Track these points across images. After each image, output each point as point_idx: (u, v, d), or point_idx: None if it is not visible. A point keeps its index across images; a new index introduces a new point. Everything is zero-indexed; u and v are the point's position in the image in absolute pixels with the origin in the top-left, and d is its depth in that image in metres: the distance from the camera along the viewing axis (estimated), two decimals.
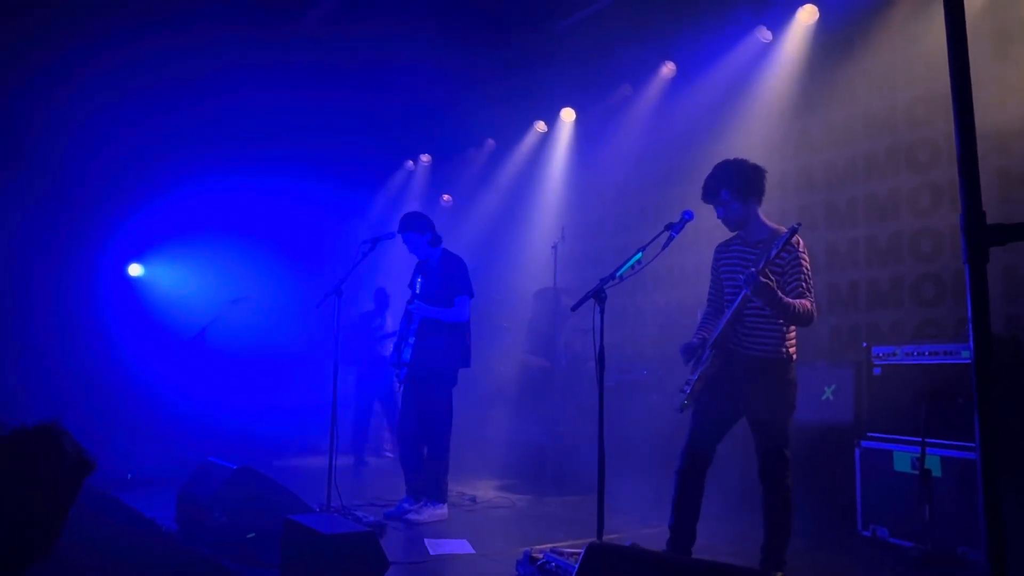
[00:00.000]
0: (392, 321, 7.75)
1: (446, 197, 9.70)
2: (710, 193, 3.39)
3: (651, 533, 3.73)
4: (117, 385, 7.07)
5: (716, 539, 4.00)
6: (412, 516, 4.62)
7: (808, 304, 3.11)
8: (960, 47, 1.65)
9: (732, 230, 3.44)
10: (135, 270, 8.60)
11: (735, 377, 3.23)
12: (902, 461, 3.85)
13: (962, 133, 1.60)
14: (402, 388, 4.90)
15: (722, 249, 3.51)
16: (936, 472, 3.62)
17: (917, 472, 3.62)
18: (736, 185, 3.31)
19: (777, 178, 6.11)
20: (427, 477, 4.76)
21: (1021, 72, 4.53)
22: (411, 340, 4.75)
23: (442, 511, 4.72)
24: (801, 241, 3.24)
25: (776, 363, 3.22)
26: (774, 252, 2.97)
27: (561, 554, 3.12)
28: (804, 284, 3.14)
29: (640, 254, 3.12)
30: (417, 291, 4.76)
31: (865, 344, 4.32)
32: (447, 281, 4.78)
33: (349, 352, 7.38)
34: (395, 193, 10.11)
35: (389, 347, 7.67)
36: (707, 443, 3.32)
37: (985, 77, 4.51)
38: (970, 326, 1.57)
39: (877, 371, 4.15)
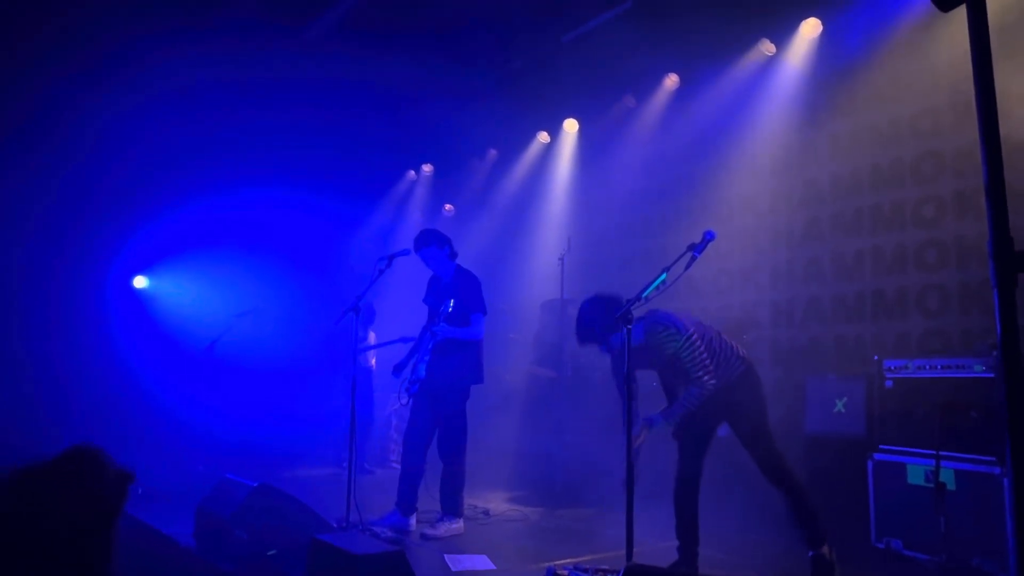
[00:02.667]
0: (375, 335, 7.87)
1: (448, 207, 9.74)
2: (585, 340, 3.68)
3: (668, 547, 3.76)
4: (126, 398, 7.07)
5: (734, 556, 4.04)
6: (428, 531, 4.65)
7: (693, 397, 3.47)
8: (986, 74, 1.67)
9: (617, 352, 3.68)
10: (139, 282, 8.60)
11: (701, 412, 3.58)
12: (915, 474, 3.89)
13: (989, 158, 1.64)
14: (411, 402, 4.92)
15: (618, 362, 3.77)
16: (950, 485, 3.66)
17: (931, 485, 3.67)
18: (595, 333, 3.57)
19: (784, 190, 6.19)
20: (443, 492, 4.79)
21: (1023, 86, 4.60)
22: (427, 357, 4.81)
23: (458, 526, 4.75)
24: (666, 322, 3.56)
25: (730, 389, 3.57)
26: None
27: (585, 570, 3.15)
28: (698, 364, 3.46)
29: (664, 275, 3.16)
30: (450, 310, 4.79)
31: (876, 357, 4.37)
32: (462, 299, 4.84)
33: (328, 363, 7.59)
34: (397, 203, 10.13)
35: (370, 359, 7.85)
36: (693, 471, 3.66)
37: None
38: (999, 351, 1.61)
39: (889, 384, 4.20)
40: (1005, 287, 1.61)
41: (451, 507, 4.75)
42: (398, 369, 5.02)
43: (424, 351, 4.85)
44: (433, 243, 4.92)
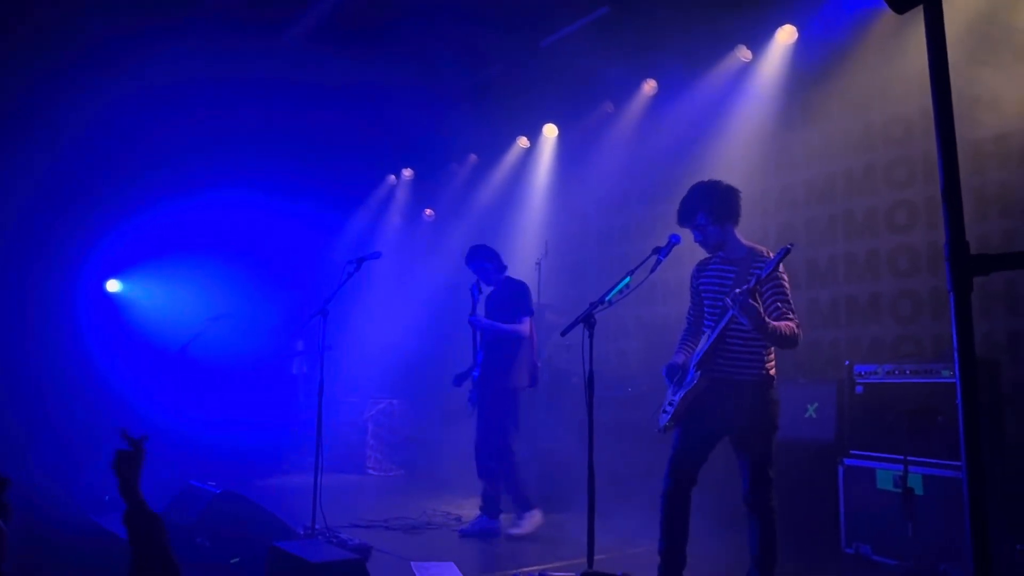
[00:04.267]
0: (303, 343, 7.97)
1: (428, 212, 9.70)
2: (686, 217, 3.38)
3: (637, 553, 3.72)
4: (95, 402, 6.94)
5: (700, 562, 4.00)
6: (514, 531, 4.82)
7: (793, 326, 3.12)
8: (942, 75, 1.66)
9: (709, 252, 3.46)
10: (113, 286, 8.47)
11: (718, 399, 3.22)
12: (884, 479, 3.89)
13: (945, 163, 1.62)
14: (475, 407, 5.16)
15: (700, 268, 3.52)
16: (918, 490, 3.66)
17: (899, 490, 3.67)
18: (712, 208, 3.30)
19: (759, 196, 6.19)
20: (509, 492, 4.95)
21: (992, 92, 4.63)
22: (479, 358, 5.07)
23: (535, 514, 4.92)
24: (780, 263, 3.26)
25: (758, 384, 3.22)
26: (766, 273, 2.98)
27: None
28: (787, 305, 3.16)
29: (628, 278, 3.13)
30: (483, 312, 5.16)
31: (848, 362, 4.37)
32: (511, 302, 5.09)
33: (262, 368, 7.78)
34: (377, 208, 10.08)
35: (299, 367, 7.95)
36: (691, 465, 3.27)
37: (957, 97, 4.58)
38: (956, 355, 1.59)
39: (859, 389, 4.20)
40: (961, 291, 1.59)
41: (521, 502, 4.92)
42: (460, 379, 5.30)
43: (478, 351, 5.11)
44: (479, 257, 5.21)
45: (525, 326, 5.04)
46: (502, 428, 4.96)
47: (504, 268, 5.28)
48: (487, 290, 5.32)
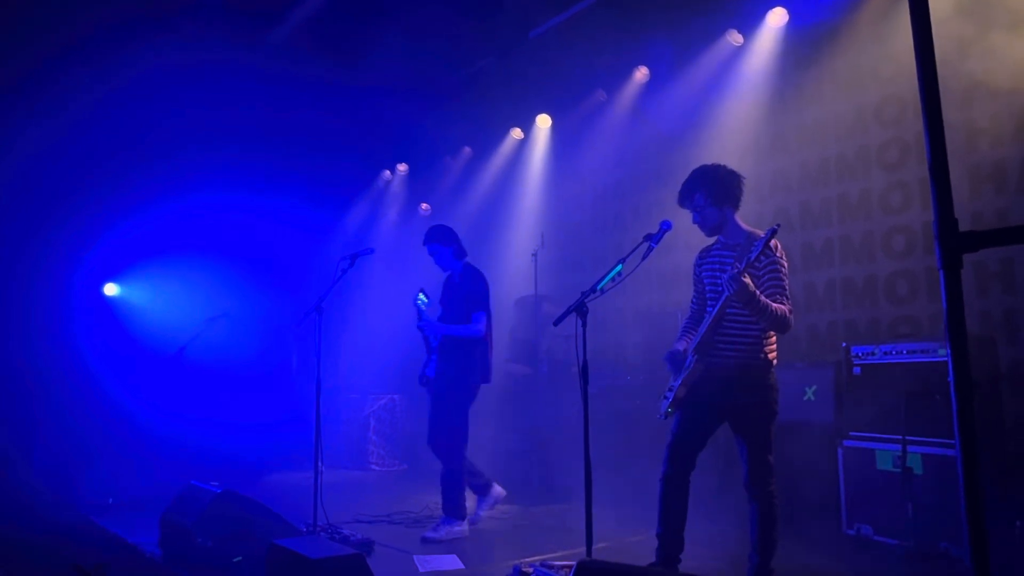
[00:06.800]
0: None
1: (424, 206, 9.68)
2: (685, 197, 3.42)
3: (638, 541, 3.73)
4: (94, 407, 6.95)
5: (697, 547, 4.01)
6: (429, 534, 4.54)
7: (785, 309, 3.12)
8: (928, 62, 1.66)
9: (707, 235, 3.47)
10: (111, 289, 8.46)
11: (716, 383, 3.22)
12: (884, 459, 3.89)
13: (932, 140, 1.62)
14: (429, 404, 4.89)
15: (702, 254, 3.53)
16: (918, 470, 3.67)
17: (899, 470, 3.67)
18: (711, 190, 3.32)
19: (753, 180, 6.11)
20: (443, 493, 4.69)
21: (986, 69, 4.62)
22: (433, 357, 4.78)
23: (461, 528, 4.63)
24: (779, 245, 3.26)
25: (756, 368, 3.21)
26: (755, 254, 2.98)
27: (551, 567, 3.11)
28: (780, 289, 3.16)
29: (620, 266, 3.12)
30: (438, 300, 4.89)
31: (844, 344, 4.36)
32: (467, 297, 4.78)
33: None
34: (372, 204, 10.07)
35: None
36: (690, 449, 3.28)
37: (951, 75, 4.60)
38: (946, 331, 1.59)
39: (856, 370, 4.20)
40: (951, 268, 1.59)
41: (451, 508, 4.64)
42: (422, 380, 4.97)
43: (432, 351, 4.81)
44: (439, 239, 4.87)
45: (482, 325, 4.71)
46: (455, 427, 4.70)
47: (464, 254, 4.93)
48: (443, 276, 5.03)
